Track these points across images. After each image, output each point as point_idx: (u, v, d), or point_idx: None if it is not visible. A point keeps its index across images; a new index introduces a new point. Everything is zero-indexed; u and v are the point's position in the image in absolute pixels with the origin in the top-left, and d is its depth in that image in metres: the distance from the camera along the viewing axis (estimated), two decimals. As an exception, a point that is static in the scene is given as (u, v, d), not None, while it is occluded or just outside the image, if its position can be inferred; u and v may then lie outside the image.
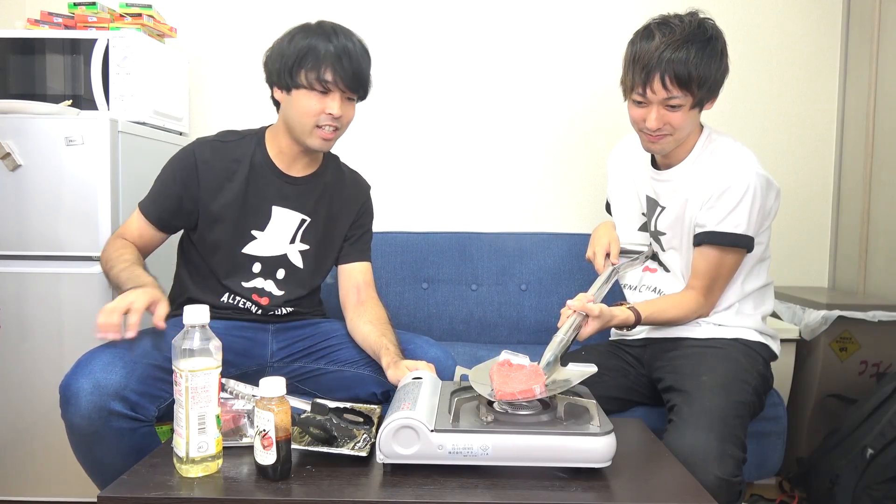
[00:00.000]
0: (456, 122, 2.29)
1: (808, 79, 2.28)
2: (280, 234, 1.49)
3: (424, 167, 2.30)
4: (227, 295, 1.48)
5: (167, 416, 1.25)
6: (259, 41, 2.24)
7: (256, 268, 1.48)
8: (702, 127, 1.45)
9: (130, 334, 1.18)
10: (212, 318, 1.21)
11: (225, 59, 2.26)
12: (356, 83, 1.38)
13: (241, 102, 2.27)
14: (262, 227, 1.47)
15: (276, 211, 1.48)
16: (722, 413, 1.23)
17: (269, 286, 1.49)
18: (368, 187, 1.65)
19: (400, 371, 1.24)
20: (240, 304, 1.49)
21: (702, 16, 1.36)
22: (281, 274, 1.50)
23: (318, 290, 1.62)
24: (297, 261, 1.51)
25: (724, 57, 1.36)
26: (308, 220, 1.50)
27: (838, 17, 2.26)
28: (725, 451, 1.17)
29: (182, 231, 1.51)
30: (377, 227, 2.23)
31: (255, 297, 1.48)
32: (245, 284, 1.48)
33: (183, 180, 1.43)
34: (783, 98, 2.28)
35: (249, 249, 1.47)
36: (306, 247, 1.51)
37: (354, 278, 1.54)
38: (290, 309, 1.52)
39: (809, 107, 2.29)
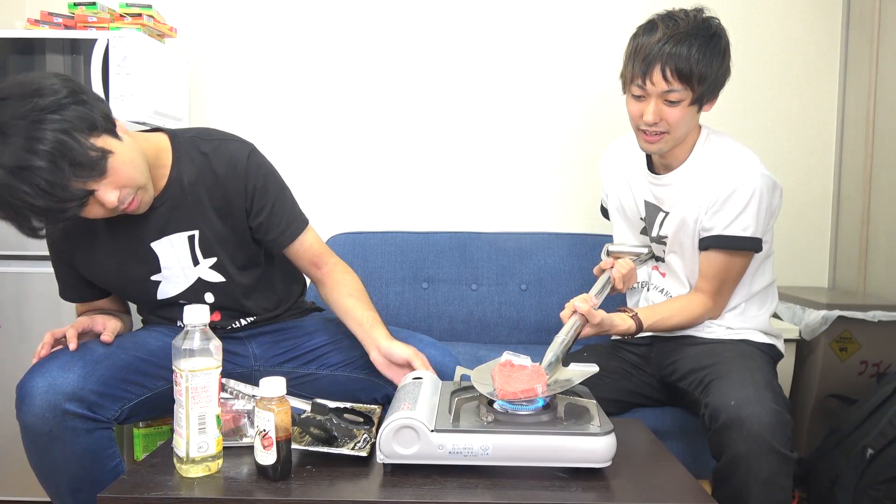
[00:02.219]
0: (456, 122, 2.29)
1: (809, 78, 2.28)
2: (178, 265, 1.29)
3: (424, 166, 2.30)
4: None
5: (133, 416, 1.23)
6: (259, 41, 2.24)
7: (184, 303, 1.23)
8: (699, 128, 1.45)
9: (72, 346, 1.18)
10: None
11: (225, 59, 2.26)
12: None
13: (241, 102, 2.27)
14: (156, 270, 1.29)
15: (157, 246, 1.27)
16: (759, 371, 1.26)
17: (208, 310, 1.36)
18: (245, 154, 1.29)
19: (395, 347, 1.25)
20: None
21: (707, 13, 1.36)
22: (210, 297, 1.33)
23: (270, 287, 1.42)
24: (214, 277, 1.32)
25: (726, 57, 1.35)
26: (195, 232, 1.28)
27: (838, 17, 2.26)
28: (775, 397, 1.19)
29: None
30: (377, 226, 2.24)
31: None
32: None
33: (59, 257, 1.30)
34: (783, 98, 2.28)
35: (163, 294, 1.31)
36: (213, 259, 1.31)
37: (302, 257, 1.36)
38: (249, 319, 1.39)
39: (809, 106, 2.29)
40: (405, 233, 2.17)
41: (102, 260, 1.27)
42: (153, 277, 1.29)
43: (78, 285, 1.33)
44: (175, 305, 1.33)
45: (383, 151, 2.30)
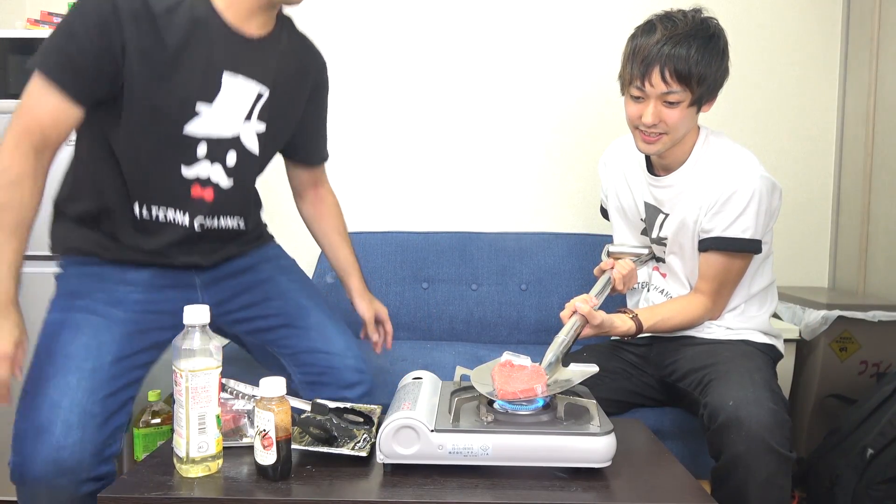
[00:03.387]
0: (455, 122, 2.29)
1: (808, 77, 2.28)
2: (233, 109, 1.17)
3: (424, 166, 2.30)
4: (147, 204, 1.17)
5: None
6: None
7: (202, 150, 1.16)
8: (698, 129, 1.45)
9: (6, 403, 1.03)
10: (120, 260, 1.13)
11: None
12: None
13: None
14: (209, 99, 1.15)
15: (228, 79, 1.15)
16: (758, 371, 1.27)
17: (218, 173, 1.19)
18: (325, 60, 1.40)
19: (359, 306, 1.51)
20: (162, 217, 1.18)
21: (705, 13, 1.36)
22: (232, 159, 1.20)
23: (254, 204, 1.38)
24: (253, 144, 1.22)
25: (724, 57, 1.35)
26: (266, 93, 1.20)
27: (838, 16, 2.26)
28: (773, 397, 1.20)
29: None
30: (377, 226, 2.24)
31: (195, 190, 1.18)
32: (186, 171, 1.16)
33: (100, 33, 1.05)
34: (783, 97, 2.28)
35: (193, 127, 1.14)
36: (263, 126, 1.22)
37: (314, 176, 1.52)
38: (235, 222, 1.28)
39: (809, 106, 2.29)
40: (405, 233, 2.18)
41: (165, 59, 1.09)
42: (200, 105, 1.14)
43: (85, 70, 1.06)
44: (180, 155, 1.16)
45: (382, 151, 2.30)
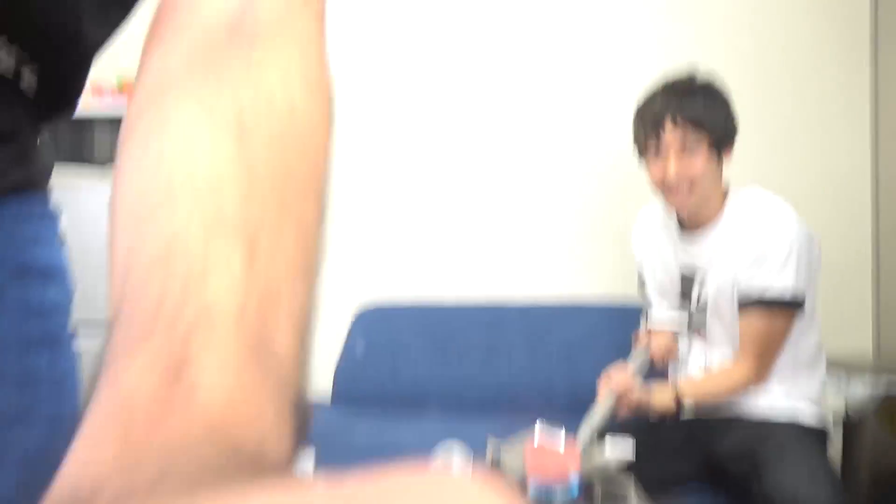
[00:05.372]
0: (481, 186, 2.31)
1: (838, 136, 2.24)
2: None
3: (450, 231, 2.31)
4: None
5: None
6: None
7: None
8: (727, 186, 1.43)
9: None
10: None
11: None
12: None
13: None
14: None
15: None
16: (812, 455, 1.23)
17: None
18: None
19: None
20: None
21: (703, 74, 1.41)
22: None
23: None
24: None
25: (729, 106, 1.38)
26: None
27: (866, 74, 2.25)
28: (830, 481, 1.16)
29: None
30: (401, 292, 2.23)
31: None
32: None
33: None
34: (814, 157, 2.24)
35: None
36: None
37: None
38: None
39: (841, 164, 2.24)
40: (432, 307, 2.16)
41: None
42: None
43: None
44: None
45: (407, 218, 2.31)
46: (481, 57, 2.31)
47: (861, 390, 1.80)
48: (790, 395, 1.39)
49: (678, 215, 1.46)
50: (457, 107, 2.32)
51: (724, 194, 1.41)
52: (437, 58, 2.32)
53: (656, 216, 1.54)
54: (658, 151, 1.34)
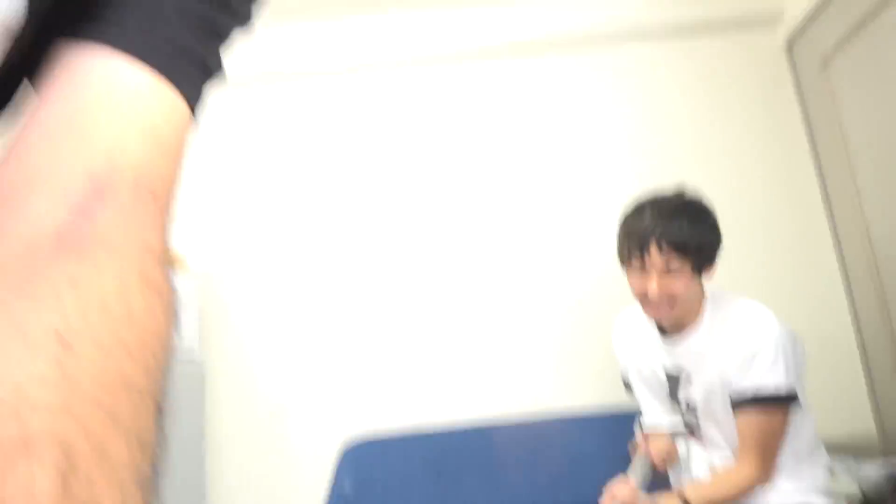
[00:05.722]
0: (461, 306, 2.30)
1: (800, 235, 2.30)
2: None
3: (431, 357, 2.27)
4: None
5: None
6: (274, 255, 2.33)
7: None
8: (705, 290, 1.45)
9: None
10: None
11: (239, 277, 2.33)
12: None
13: (260, 321, 2.30)
14: None
15: None
16: None
17: None
18: None
19: None
20: None
21: (691, 192, 1.42)
22: None
23: None
24: None
25: (716, 228, 1.40)
26: None
27: (812, 174, 2.36)
28: None
29: None
30: (391, 421, 2.16)
31: None
32: None
33: None
34: (778, 258, 2.29)
35: None
36: None
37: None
38: None
39: (806, 260, 2.29)
40: (422, 435, 2.09)
41: None
42: None
43: None
44: None
45: (387, 346, 2.28)
46: (463, 182, 2.39)
47: (873, 472, 1.75)
48: (799, 490, 1.34)
49: (657, 321, 1.48)
50: (437, 227, 2.36)
51: (702, 297, 1.43)
52: (417, 182, 2.39)
53: (634, 319, 1.54)
54: (641, 266, 1.36)
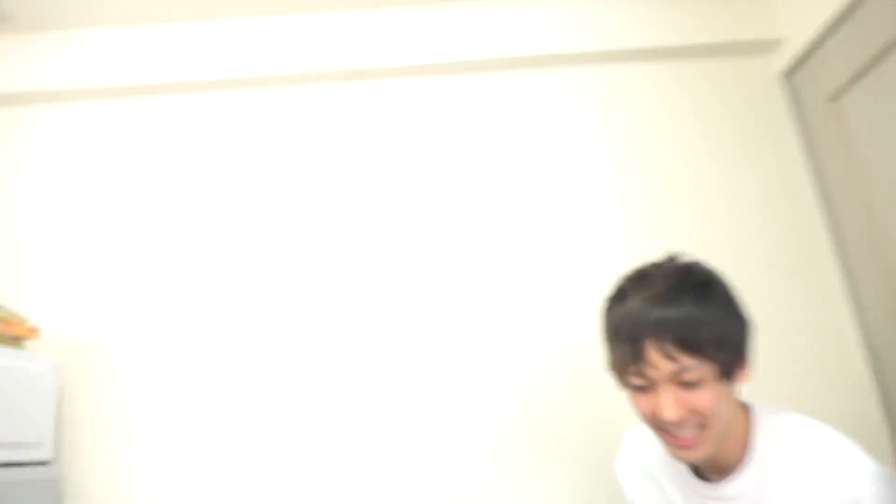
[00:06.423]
0: (432, 444, 1.84)
1: (816, 312, 1.91)
2: None
3: (359, 478, 1.79)
4: None
5: None
6: (144, 327, 1.83)
7: None
8: (744, 407, 1.01)
9: None
10: None
11: (105, 359, 1.81)
12: None
13: (125, 416, 1.79)
14: None
15: None
16: None
17: None
18: None
19: None
20: None
21: (685, 259, 0.99)
22: None
23: None
24: None
25: (731, 304, 0.96)
26: None
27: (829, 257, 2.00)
28: None
29: None
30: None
31: None
32: None
33: None
34: (798, 348, 1.86)
35: None
36: None
37: None
38: None
39: (828, 346, 1.89)
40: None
41: None
42: None
43: None
44: None
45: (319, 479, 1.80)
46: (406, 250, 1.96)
47: None
48: None
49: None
50: (404, 370, 1.92)
51: (746, 417, 0.99)
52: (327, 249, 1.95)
53: (651, 445, 1.10)
54: (643, 381, 0.92)
